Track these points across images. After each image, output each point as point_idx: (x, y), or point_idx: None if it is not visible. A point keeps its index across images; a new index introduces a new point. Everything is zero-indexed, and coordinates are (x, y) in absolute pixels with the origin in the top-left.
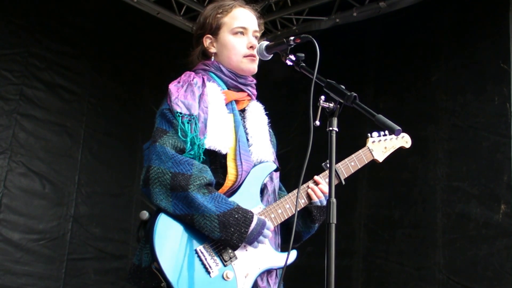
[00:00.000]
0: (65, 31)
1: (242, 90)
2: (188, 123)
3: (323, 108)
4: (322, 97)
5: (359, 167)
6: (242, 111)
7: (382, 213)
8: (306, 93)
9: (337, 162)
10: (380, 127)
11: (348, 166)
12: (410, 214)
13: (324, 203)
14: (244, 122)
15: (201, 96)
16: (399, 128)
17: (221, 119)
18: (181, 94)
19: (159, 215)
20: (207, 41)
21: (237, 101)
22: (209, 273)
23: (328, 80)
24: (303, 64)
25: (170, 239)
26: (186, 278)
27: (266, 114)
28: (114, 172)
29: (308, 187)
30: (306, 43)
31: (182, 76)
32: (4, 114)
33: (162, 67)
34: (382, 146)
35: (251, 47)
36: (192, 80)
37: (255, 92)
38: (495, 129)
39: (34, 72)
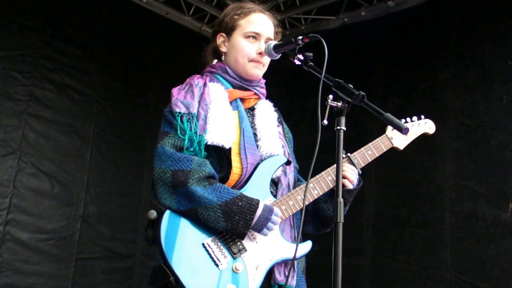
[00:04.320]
0: (74, 32)
1: (249, 89)
2: (187, 121)
3: (331, 107)
4: (330, 96)
5: (377, 155)
6: (251, 109)
7: (389, 212)
8: (315, 92)
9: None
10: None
11: (365, 154)
12: (417, 213)
13: (351, 187)
14: (253, 119)
15: (202, 95)
16: (407, 127)
17: (223, 115)
18: (181, 95)
19: (165, 212)
20: (220, 39)
21: (243, 99)
22: (217, 265)
23: (336, 79)
24: (311, 63)
25: (177, 235)
26: (194, 272)
27: (277, 110)
28: (123, 172)
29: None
30: (314, 42)
31: (187, 79)
32: (14, 115)
33: (171, 67)
34: None
35: (260, 53)
36: (194, 81)
37: (264, 91)
38: (503, 127)
39: (44, 73)
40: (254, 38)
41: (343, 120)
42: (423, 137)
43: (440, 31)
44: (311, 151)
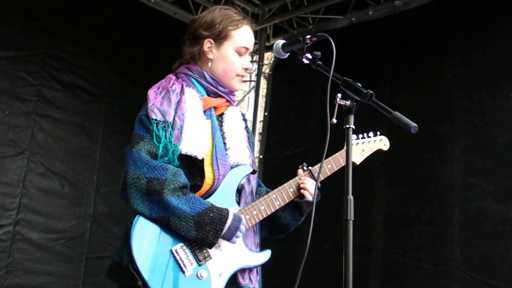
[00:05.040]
0: (83, 32)
1: (222, 96)
2: (162, 129)
3: (339, 105)
4: (339, 95)
5: (336, 169)
6: (220, 115)
7: (399, 210)
8: (323, 91)
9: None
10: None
11: (325, 168)
12: (426, 211)
13: (311, 198)
14: (221, 126)
15: (178, 103)
16: (415, 125)
17: (197, 125)
18: (158, 101)
19: (137, 218)
20: (207, 44)
21: (215, 107)
22: (183, 272)
23: (344, 78)
24: (320, 62)
25: (147, 241)
26: (161, 277)
27: (244, 119)
28: None
29: (295, 182)
30: (322, 41)
31: (163, 81)
32: (23, 115)
33: None
34: (359, 149)
35: (245, 69)
36: (171, 86)
37: (234, 98)
38: (510, 125)
39: (52, 73)
40: (242, 52)
41: (351, 118)
42: (432, 135)
43: (447, 30)
44: (320, 149)
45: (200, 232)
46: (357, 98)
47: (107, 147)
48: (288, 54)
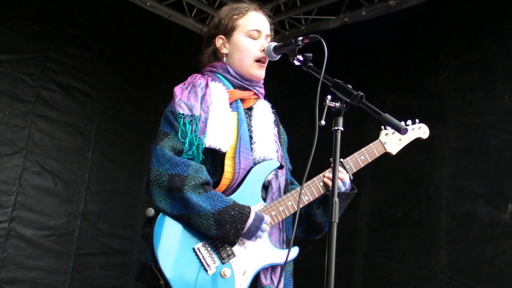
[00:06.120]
0: (81, 36)
1: (249, 89)
2: (189, 123)
3: (329, 107)
4: (329, 97)
5: (370, 161)
6: (249, 109)
7: (385, 212)
8: (314, 93)
9: (345, 157)
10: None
11: (357, 160)
12: (414, 213)
13: (343, 189)
14: (250, 120)
15: (203, 96)
16: (406, 127)
17: (222, 117)
18: (185, 96)
19: (159, 215)
20: (219, 41)
21: (243, 100)
22: (206, 270)
23: (335, 79)
24: (311, 64)
25: (169, 239)
26: (183, 276)
27: (274, 112)
28: (123, 171)
29: (324, 176)
30: (314, 42)
31: (188, 78)
32: (21, 115)
33: (173, 69)
34: (396, 138)
35: (263, 50)
36: (197, 81)
37: (262, 91)
38: (504, 127)
39: (51, 75)
40: (255, 36)
41: (340, 120)
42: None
43: (441, 30)
44: (308, 151)
45: (221, 231)
46: (347, 100)
47: (99, 147)
48: (280, 56)
